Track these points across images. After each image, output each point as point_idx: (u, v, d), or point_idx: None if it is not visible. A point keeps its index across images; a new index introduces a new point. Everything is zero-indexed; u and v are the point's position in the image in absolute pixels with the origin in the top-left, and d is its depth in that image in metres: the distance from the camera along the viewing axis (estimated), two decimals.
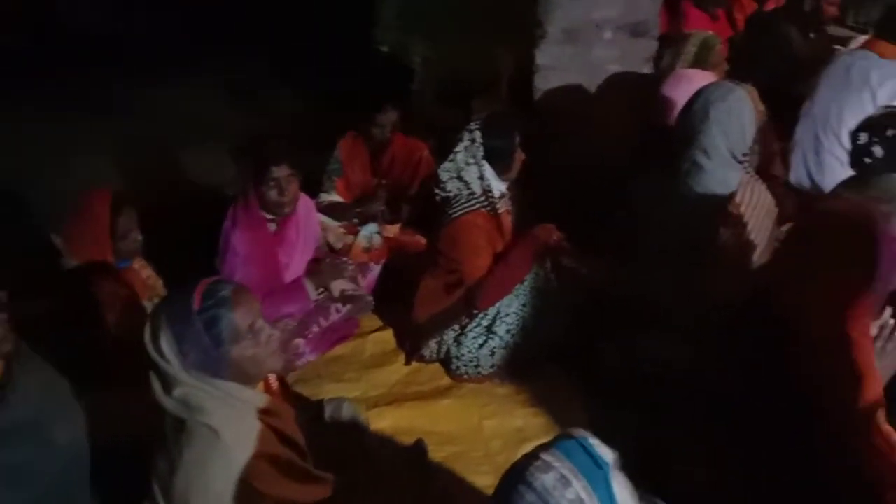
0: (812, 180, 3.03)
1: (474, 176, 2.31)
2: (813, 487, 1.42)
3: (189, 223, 2.66)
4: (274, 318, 2.44)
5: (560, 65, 2.87)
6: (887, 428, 1.59)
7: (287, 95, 3.90)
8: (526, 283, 2.35)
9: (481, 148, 2.28)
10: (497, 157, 2.31)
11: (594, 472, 0.95)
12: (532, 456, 0.97)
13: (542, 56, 2.88)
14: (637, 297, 2.09)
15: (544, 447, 0.98)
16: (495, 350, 2.36)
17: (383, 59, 3.58)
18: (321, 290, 2.55)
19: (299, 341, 2.50)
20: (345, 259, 2.71)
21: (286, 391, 1.75)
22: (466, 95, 3.15)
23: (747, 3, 4.88)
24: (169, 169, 3.45)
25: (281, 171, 2.39)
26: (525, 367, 2.38)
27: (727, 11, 4.63)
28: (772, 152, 3.14)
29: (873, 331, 1.64)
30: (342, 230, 2.82)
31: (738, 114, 1.93)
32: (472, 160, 2.30)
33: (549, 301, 2.37)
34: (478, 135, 2.28)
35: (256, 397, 1.42)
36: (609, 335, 2.22)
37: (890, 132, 2.08)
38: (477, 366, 2.38)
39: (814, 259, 1.46)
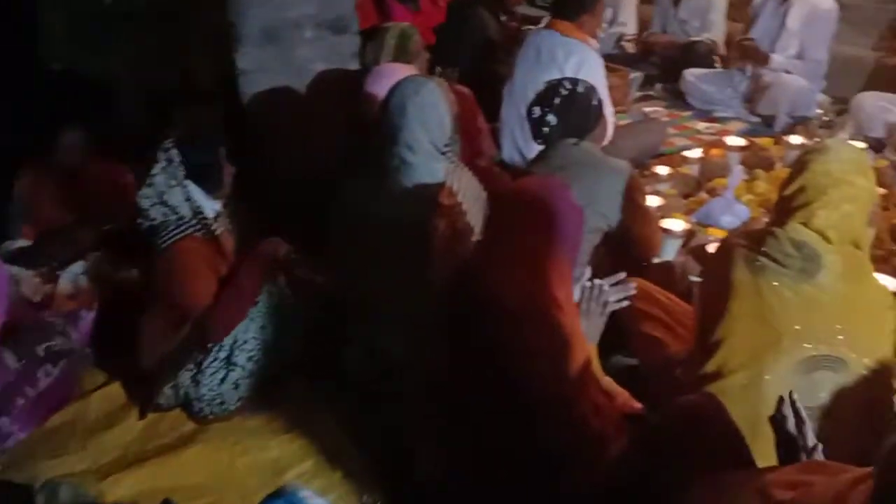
0: (523, 157, 3.24)
1: (180, 198, 2.09)
2: (538, 462, 1.48)
3: None
4: None
5: (264, 67, 2.74)
6: (604, 382, 1.72)
7: None
8: (260, 304, 2.19)
9: (182, 167, 2.08)
10: (203, 175, 2.12)
11: None
12: None
13: (243, 59, 2.72)
14: (367, 297, 2.06)
15: None
16: (239, 382, 2.18)
17: (57, 77, 3.15)
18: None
19: (3, 420, 2.11)
20: (47, 312, 2.34)
21: None
22: (170, 107, 2.88)
23: None
24: None
25: None
26: (274, 391, 2.25)
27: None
28: (482, 134, 3.31)
29: (576, 294, 1.78)
30: (38, 279, 2.44)
31: (434, 106, 1.96)
32: (174, 182, 2.08)
33: (289, 317, 2.24)
34: (175, 153, 2.07)
35: None
36: (348, 339, 2.17)
37: (556, 101, 2.31)
38: (222, 403, 2.18)
39: (507, 235, 1.53)
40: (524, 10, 5.59)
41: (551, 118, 2.29)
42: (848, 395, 1.53)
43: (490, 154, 3.34)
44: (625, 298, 1.84)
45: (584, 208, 2.13)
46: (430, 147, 1.95)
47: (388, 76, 2.29)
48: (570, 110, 2.30)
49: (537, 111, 2.34)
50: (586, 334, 1.77)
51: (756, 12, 4.23)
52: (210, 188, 2.14)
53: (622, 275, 1.87)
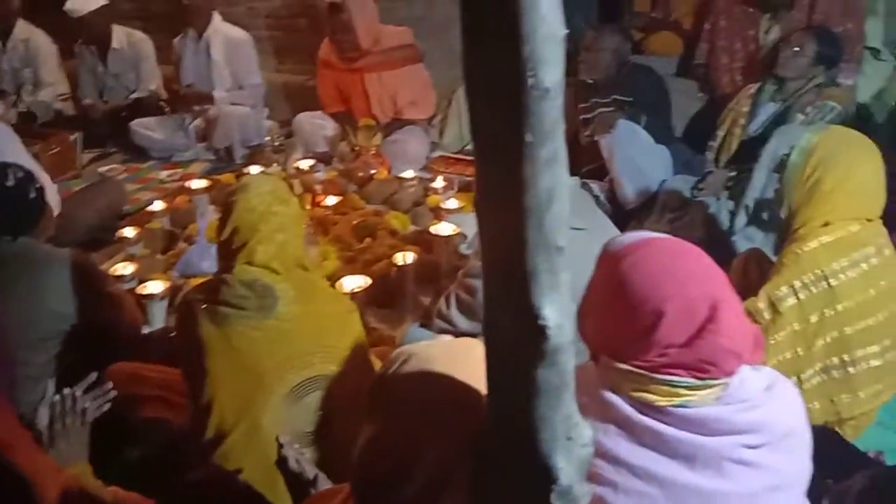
0: None
1: None
2: None
3: None
4: None
5: None
6: (108, 493, 1.49)
7: None
8: None
9: None
10: None
11: None
12: None
13: None
14: None
15: None
16: None
17: None
18: None
19: None
20: None
21: None
22: None
23: None
24: None
25: None
26: None
27: None
28: None
29: (44, 415, 1.51)
30: None
31: None
32: None
33: None
34: None
35: None
36: None
37: None
38: None
39: None
40: None
41: None
42: (339, 408, 1.60)
43: None
44: (105, 399, 1.63)
45: (34, 311, 1.85)
46: None
47: None
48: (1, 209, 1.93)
49: None
50: (70, 454, 1.51)
51: (180, 53, 4.28)
52: None
53: (93, 375, 1.65)
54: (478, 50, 0.72)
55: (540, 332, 0.77)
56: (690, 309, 1.03)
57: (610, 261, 1.10)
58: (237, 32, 4.24)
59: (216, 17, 4.19)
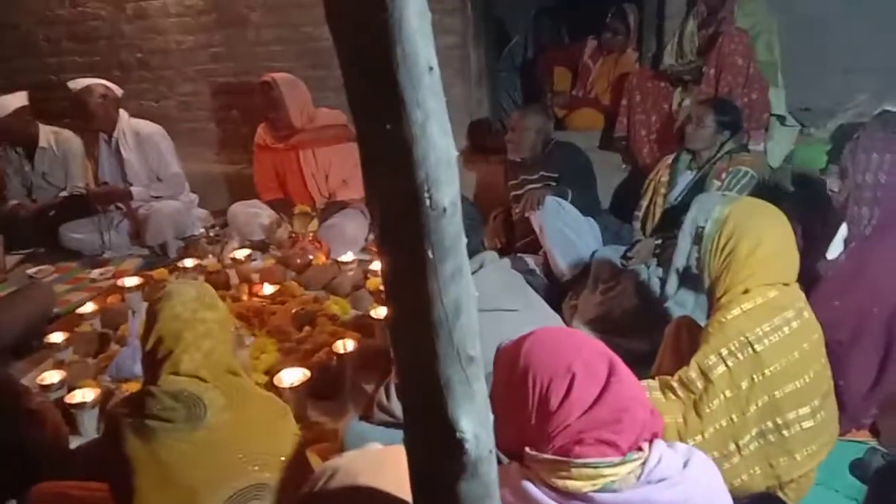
0: None
1: None
2: None
3: None
4: None
5: None
6: None
7: None
8: None
9: None
10: None
11: None
12: None
13: None
14: None
15: None
16: None
17: None
18: None
19: None
20: None
21: None
22: None
23: None
24: None
25: None
26: None
27: None
28: None
29: None
30: None
31: None
32: None
33: None
34: None
35: None
36: None
37: None
38: None
39: None
40: None
41: None
42: None
43: None
44: None
45: None
46: None
47: None
48: None
49: None
50: None
51: (96, 155, 4.28)
52: None
53: (11, 503, 1.57)
54: (376, 174, 0.74)
55: (458, 446, 0.77)
56: (593, 366, 1.14)
57: (507, 357, 1.19)
58: (147, 127, 4.26)
59: (123, 116, 4.22)
